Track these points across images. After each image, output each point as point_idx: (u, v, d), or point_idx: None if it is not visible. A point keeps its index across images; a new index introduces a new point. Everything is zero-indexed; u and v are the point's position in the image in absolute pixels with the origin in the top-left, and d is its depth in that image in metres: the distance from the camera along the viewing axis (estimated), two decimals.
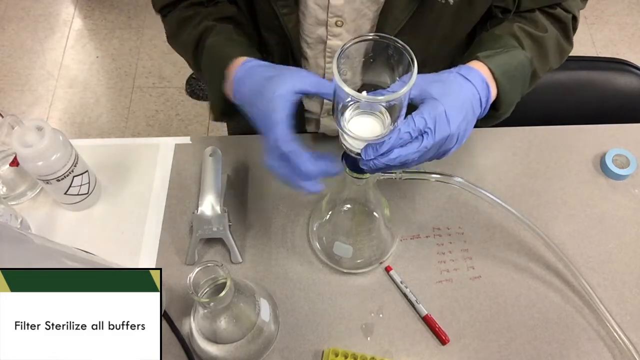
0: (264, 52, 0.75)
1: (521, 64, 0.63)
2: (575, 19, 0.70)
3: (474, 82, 0.57)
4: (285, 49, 0.73)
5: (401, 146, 0.52)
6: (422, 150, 0.52)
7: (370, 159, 0.52)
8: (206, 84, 0.67)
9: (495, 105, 0.63)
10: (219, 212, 0.73)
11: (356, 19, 0.66)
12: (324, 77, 0.75)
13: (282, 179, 0.55)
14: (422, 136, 0.52)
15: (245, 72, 0.59)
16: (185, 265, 0.73)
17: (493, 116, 0.64)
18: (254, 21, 0.72)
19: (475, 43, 0.68)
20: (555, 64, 0.71)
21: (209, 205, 0.73)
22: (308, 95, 0.56)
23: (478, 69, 0.59)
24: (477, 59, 0.61)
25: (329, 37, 0.68)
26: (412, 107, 0.53)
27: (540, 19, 0.68)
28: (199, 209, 0.73)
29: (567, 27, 0.70)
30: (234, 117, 0.64)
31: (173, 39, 0.73)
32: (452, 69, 0.59)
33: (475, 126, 0.65)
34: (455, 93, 0.55)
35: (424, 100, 0.54)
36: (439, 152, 0.56)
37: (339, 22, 0.66)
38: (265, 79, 0.56)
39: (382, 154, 0.51)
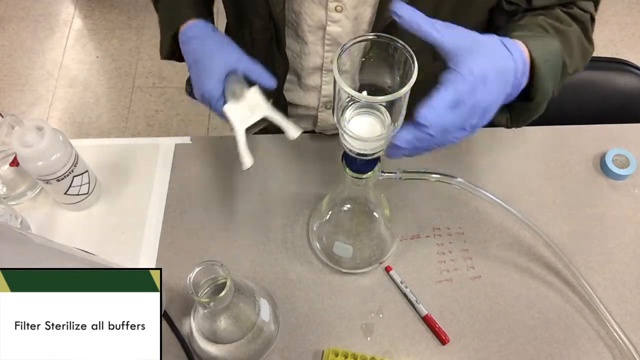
0: (245, 43, 0.74)
1: (555, 50, 0.59)
2: (593, 20, 0.68)
3: (514, 55, 0.52)
4: (271, 35, 0.72)
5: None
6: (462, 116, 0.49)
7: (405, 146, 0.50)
8: (159, 22, 0.73)
9: (529, 94, 0.58)
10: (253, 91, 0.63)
11: (357, 6, 0.66)
12: (322, 66, 0.75)
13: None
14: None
15: (188, 38, 0.67)
16: (186, 265, 0.73)
17: (528, 109, 0.60)
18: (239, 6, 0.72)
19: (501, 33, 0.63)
20: (580, 65, 0.67)
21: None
22: (238, 74, 0.62)
23: (519, 46, 0.54)
24: (512, 37, 0.55)
25: (328, 22, 0.68)
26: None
27: (562, 16, 0.65)
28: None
29: (586, 27, 0.67)
30: (180, 59, 0.71)
31: None
32: (493, 34, 0.53)
33: (511, 125, 0.63)
34: (494, 67, 0.51)
35: (458, 63, 0.49)
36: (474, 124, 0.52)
37: (339, 7, 0.66)
38: (203, 53, 0.63)
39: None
